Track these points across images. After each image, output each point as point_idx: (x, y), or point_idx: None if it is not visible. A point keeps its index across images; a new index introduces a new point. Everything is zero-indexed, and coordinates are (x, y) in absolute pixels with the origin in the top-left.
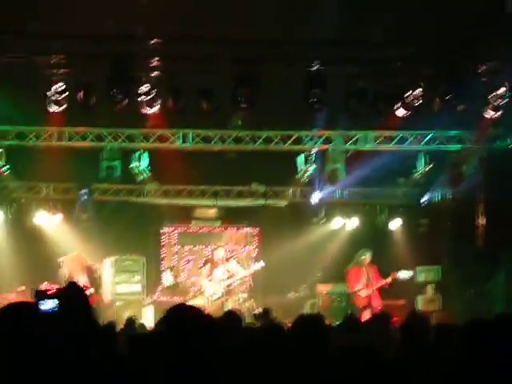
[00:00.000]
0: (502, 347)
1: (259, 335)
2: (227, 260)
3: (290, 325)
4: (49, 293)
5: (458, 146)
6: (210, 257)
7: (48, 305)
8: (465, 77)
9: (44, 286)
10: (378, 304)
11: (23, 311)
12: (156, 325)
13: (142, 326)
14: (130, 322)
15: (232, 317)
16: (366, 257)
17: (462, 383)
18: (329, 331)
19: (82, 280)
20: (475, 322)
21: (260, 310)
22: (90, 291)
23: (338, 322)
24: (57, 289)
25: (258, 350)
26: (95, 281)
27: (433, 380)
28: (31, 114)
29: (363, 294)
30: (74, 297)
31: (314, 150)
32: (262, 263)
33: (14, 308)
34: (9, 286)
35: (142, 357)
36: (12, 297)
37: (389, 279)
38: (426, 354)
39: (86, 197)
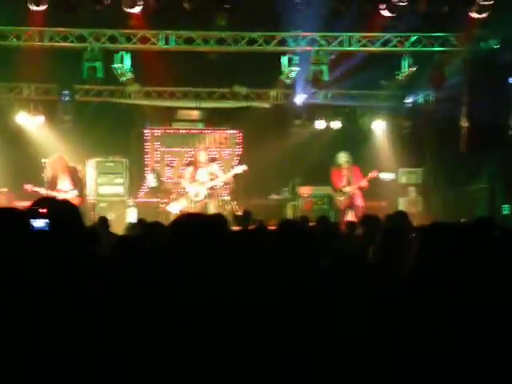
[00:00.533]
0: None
1: (244, 237)
2: (210, 162)
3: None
4: (41, 211)
5: (442, 48)
6: (192, 159)
7: (40, 223)
8: None
9: (29, 187)
10: (361, 203)
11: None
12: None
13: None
14: (103, 219)
15: (218, 219)
16: (344, 158)
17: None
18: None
19: (65, 181)
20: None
21: (241, 212)
22: (73, 193)
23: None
24: (48, 207)
25: (243, 251)
26: (79, 182)
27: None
28: (11, 14)
29: (347, 189)
30: (66, 218)
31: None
32: (243, 166)
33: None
34: None
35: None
36: None
37: (368, 177)
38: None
39: (67, 98)
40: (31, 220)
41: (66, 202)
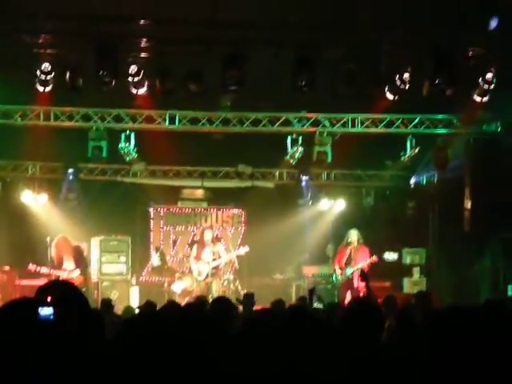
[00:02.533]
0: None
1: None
2: (215, 242)
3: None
4: (48, 300)
5: (445, 130)
6: (197, 237)
7: (46, 311)
8: (454, 61)
9: (33, 267)
10: (358, 285)
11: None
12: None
13: (130, 308)
14: (107, 302)
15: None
16: (355, 237)
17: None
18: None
19: (69, 261)
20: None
21: (244, 292)
22: (77, 272)
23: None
24: (52, 296)
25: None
26: (82, 261)
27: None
28: (17, 93)
29: (338, 272)
30: (71, 304)
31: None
32: (246, 248)
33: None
34: None
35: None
36: None
37: (368, 262)
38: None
39: (72, 176)
40: (39, 308)
41: (72, 288)
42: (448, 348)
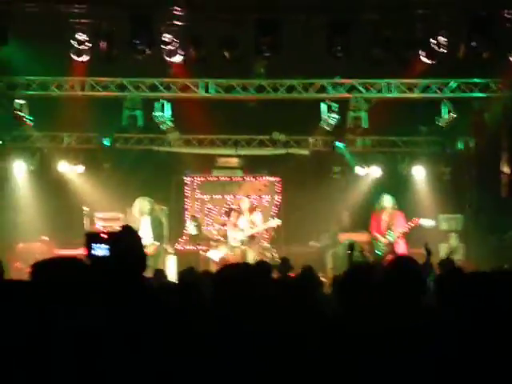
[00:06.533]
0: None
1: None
2: (251, 211)
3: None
4: (102, 235)
5: (482, 94)
6: (233, 206)
7: (101, 250)
8: (490, 23)
9: None
10: (402, 251)
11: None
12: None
13: (161, 272)
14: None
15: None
16: (389, 202)
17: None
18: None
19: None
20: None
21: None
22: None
23: None
24: (109, 232)
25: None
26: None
27: None
28: (53, 64)
29: (382, 240)
30: (128, 242)
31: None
32: (278, 221)
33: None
34: (32, 235)
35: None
36: (37, 245)
37: (409, 225)
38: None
39: (107, 146)
40: (93, 246)
41: (128, 230)
42: (475, 312)
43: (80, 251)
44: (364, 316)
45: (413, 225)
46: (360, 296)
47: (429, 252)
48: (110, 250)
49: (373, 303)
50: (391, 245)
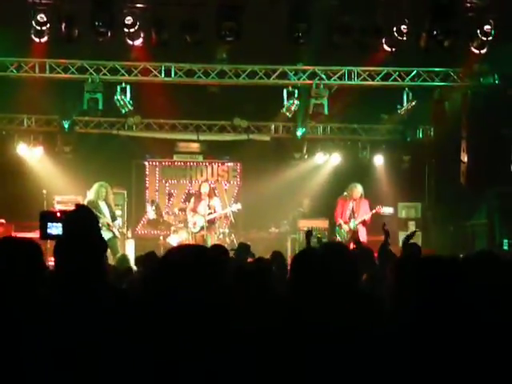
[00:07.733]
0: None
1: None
2: (211, 195)
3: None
4: (57, 214)
5: (442, 83)
6: (193, 191)
7: (56, 229)
8: (452, 13)
9: None
10: (362, 239)
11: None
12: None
13: (124, 257)
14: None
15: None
16: (354, 190)
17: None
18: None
19: None
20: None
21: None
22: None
23: None
24: (64, 211)
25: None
26: None
27: None
28: (12, 45)
29: (345, 227)
30: (84, 220)
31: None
32: (238, 205)
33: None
34: None
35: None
36: None
37: (373, 212)
38: None
39: (67, 129)
40: (48, 225)
41: (83, 209)
42: (433, 296)
43: (36, 234)
44: (309, 303)
45: (376, 212)
46: (303, 282)
47: (387, 233)
48: (63, 228)
49: (314, 290)
50: (354, 232)
